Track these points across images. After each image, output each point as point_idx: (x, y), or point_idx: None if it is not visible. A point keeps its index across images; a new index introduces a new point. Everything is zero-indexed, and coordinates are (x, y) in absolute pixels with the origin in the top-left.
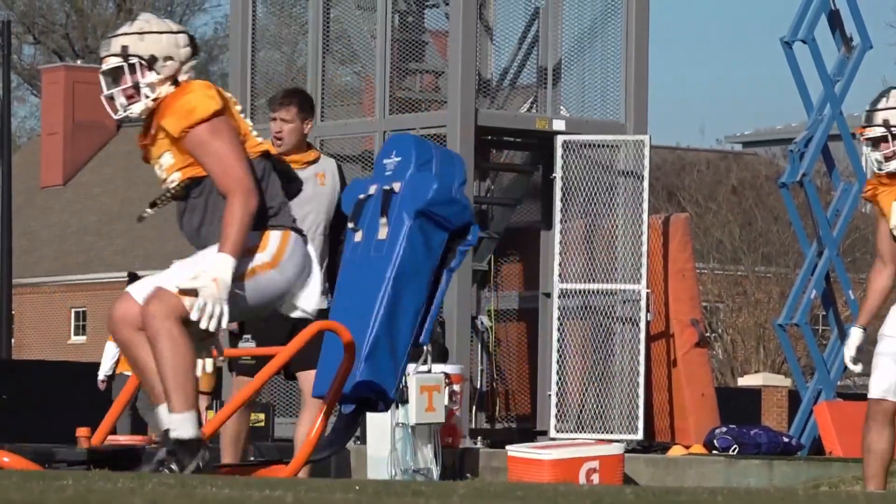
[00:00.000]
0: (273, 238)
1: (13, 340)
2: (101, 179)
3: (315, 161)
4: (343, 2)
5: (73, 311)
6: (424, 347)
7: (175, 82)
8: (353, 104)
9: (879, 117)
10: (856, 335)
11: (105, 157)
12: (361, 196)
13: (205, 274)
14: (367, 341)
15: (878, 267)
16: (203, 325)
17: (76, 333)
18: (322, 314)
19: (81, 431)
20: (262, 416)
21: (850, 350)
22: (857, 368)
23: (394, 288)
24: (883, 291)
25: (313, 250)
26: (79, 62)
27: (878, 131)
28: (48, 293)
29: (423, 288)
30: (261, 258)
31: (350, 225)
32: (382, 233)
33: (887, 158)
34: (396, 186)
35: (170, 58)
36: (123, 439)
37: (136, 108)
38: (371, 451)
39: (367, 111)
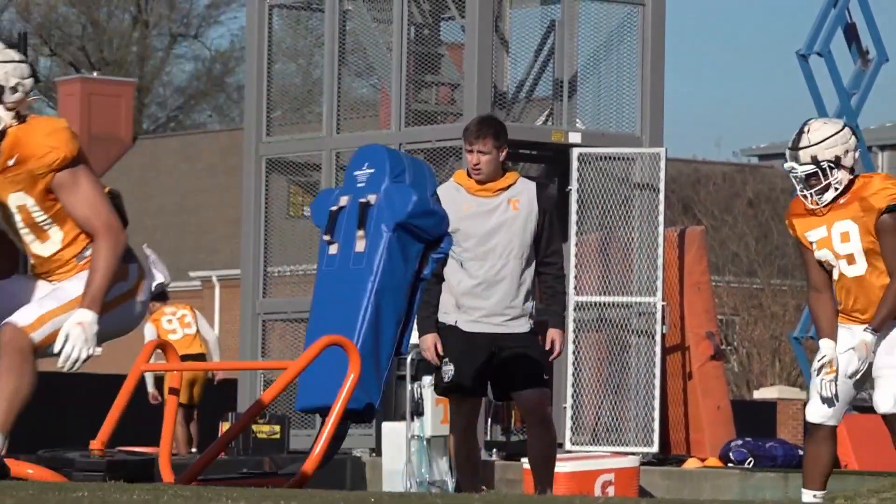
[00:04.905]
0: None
1: None
2: None
3: (509, 187)
4: (359, 14)
5: None
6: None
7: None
8: (369, 116)
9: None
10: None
11: (121, 169)
12: (333, 208)
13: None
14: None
15: (815, 295)
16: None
17: None
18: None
19: (95, 444)
20: (277, 427)
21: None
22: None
23: (375, 300)
24: (834, 317)
25: (508, 272)
26: (95, 74)
27: (808, 168)
28: None
29: (402, 298)
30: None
31: (325, 238)
32: (360, 245)
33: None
34: (372, 199)
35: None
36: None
37: None
38: (386, 464)
39: (383, 124)
